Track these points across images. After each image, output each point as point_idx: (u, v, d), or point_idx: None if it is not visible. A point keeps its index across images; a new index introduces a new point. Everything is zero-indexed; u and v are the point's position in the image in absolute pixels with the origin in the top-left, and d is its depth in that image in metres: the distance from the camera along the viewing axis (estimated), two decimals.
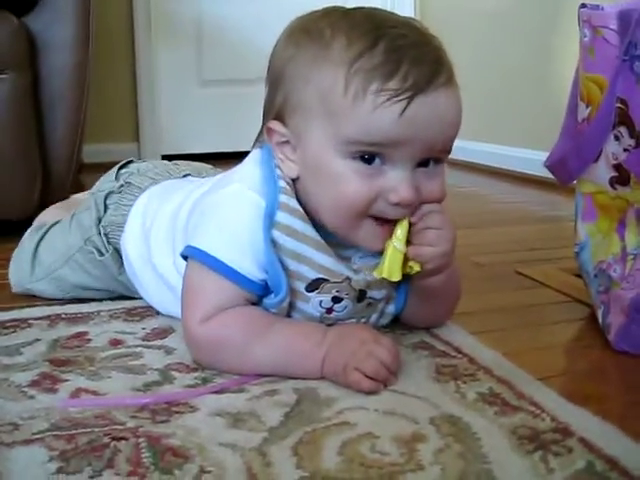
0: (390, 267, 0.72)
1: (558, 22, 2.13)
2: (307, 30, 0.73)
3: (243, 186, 0.76)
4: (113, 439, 0.61)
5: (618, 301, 0.85)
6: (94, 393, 0.70)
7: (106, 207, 0.99)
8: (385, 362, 0.69)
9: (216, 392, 0.70)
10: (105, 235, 0.97)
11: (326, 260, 0.75)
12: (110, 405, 0.67)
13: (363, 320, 0.82)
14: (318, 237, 0.74)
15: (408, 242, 0.72)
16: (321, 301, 0.77)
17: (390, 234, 0.72)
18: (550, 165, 1.00)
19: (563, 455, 0.57)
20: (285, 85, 0.73)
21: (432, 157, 0.71)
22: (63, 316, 0.93)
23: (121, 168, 1.03)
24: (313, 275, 0.75)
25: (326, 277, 0.75)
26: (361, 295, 0.78)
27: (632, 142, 0.84)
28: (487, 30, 2.58)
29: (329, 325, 0.77)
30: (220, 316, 0.73)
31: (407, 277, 0.76)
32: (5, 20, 1.36)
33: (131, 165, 1.03)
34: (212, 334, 0.73)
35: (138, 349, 0.81)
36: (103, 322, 0.91)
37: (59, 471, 0.56)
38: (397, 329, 0.86)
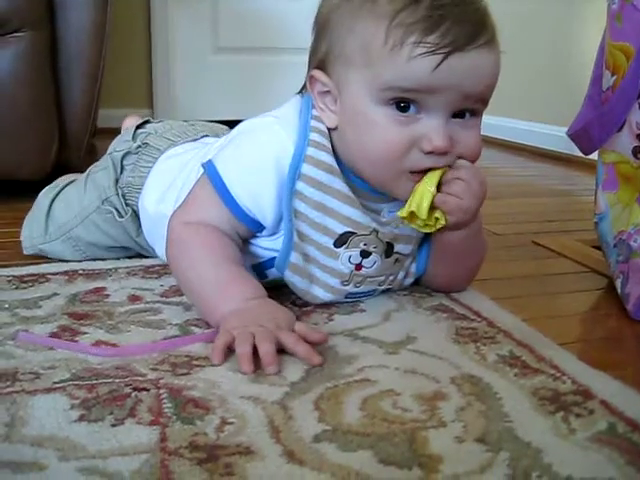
0: (419, 202, 0.71)
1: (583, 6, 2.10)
2: None
3: (277, 123, 0.76)
4: (134, 389, 0.61)
5: (637, 271, 0.85)
6: (114, 346, 0.71)
7: (123, 167, 0.99)
8: (287, 345, 0.66)
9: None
10: (123, 196, 0.97)
11: (352, 212, 0.75)
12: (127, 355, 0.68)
13: (391, 277, 0.82)
14: (345, 189, 0.75)
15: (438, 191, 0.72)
16: (350, 256, 0.77)
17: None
18: (573, 134, 0.99)
19: (584, 416, 0.57)
20: (329, 34, 0.73)
21: (468, 108, 0.71)
22: (81, 272, 0.94)
23: (138, 128, 1.02)
24: (340, 229, 0.75)
25: (353, 230, 0.76)
26: (389, 249, 0.78)
27: None
28: (511, 6, 2.55)
29: (359, 284, 0.79)
30: (197, 226, 0.76)
31: (429, 236, 0.76)
32: None
33: (148, 125, 1.02)
34: (181, 236, 0.76)
35: (156, 305, 0.82)
36: (121, 278, 0.91)
37: (81, 419, 0.56)
38: (416, 292, 0.86)
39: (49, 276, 0.92)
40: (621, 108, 0.89)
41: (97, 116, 1.61)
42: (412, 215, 0.72)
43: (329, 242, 0.76)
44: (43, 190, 1.10)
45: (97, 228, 0.99)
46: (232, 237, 0.77)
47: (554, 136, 2.11)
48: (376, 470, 0.49)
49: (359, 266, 0.78)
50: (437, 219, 0.73)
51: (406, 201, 0.72)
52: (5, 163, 1.39)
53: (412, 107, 0.69)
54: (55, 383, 0.62)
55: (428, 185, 0.71)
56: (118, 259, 0.99)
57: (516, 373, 0.64)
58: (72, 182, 1.07)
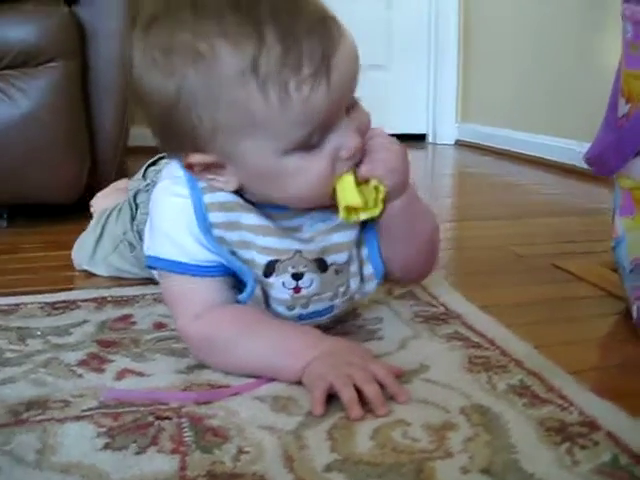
0: (345, 195, 0.69)
1: (602, 16, 2.10)
2: (171, 49, 0.64)
3: (169, 182, 0.75)
4: (157, 418, 0.64)
5: None
6: (139, 374, 0.74)
7: (137, 205, 1.04)
8: (379, 376, 0.66)
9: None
10: (138, 232, 1.01)
11: (269, 241, 0.74)
12: (153, 399, 0.68)
13: (341, 289, 0.79)
14: (255, 221, 0.73)
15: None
16: (283, 282, 0.75)
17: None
18: (589, 159, 1.00)
19: (589, 448, 0.58)
20: (186, 118, 0.65)
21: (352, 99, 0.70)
22: (109, 299, 0.98)
23: (151, 165, 1.06)
24: (263, 259, 0.74)
25: (275, 257, 0.74)
26: (322, 264, 0.76)
27: None
28: (531, 24, 2.56)
29: (305, 305, 0.78)
30: (210, 314, 0.73)
31: (368, 233, 0.77)
32: (56, 10, 1.41)
33: (161, 162, 1.05)
34: (203, 331, 0.73)
35: None
36: (148, 305, 0.95)
37: (106, 447, 0.59)
38: (432, 320, 0.88)
39: (79, 303, 0.96)
40: (636, 136, 0.90)
41: (127, 140, 1.66)
42: (350, 209, 0.71)
43: (259, 274, 0.75)
44: (100, 210, 1.18)
45: (124, 257, 1.05)
46: (233, 298, 0.76)
47: (581, 152, 2.11)
48: None
49: (297, 289, 0.76)
50: (376, 188, 0.71)
51: (333, 205, 0.72)
52: (39, 188, 1.45)
53: (316, 136, 0.66)
54: (83, 411, 0.66)
55: (344, 174, 0.70)
56: (146, 285, 1.03)
57: (525, 403, 0.66)
58: (115, 208, 1.13)
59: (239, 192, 0.73)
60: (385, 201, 0.73)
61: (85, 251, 1.13)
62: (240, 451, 0.59)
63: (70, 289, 1.03)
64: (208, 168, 0.70)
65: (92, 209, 1.28)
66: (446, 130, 3.23)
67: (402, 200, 0.75)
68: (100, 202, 1.28)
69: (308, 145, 0.66)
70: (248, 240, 0.74)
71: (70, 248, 1.16)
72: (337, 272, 0.78)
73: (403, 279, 0.86)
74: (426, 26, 3.19)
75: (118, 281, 1.08)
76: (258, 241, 0.74)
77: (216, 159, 0.69)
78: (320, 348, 0.69)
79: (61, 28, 1.40)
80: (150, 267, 0.78)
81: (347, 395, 0.64)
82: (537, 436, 0.60)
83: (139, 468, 0.57)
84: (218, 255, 0.73)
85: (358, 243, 0.79)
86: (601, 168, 0.98)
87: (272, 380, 0.71)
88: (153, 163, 1.08)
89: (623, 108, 0.93)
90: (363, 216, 0.72)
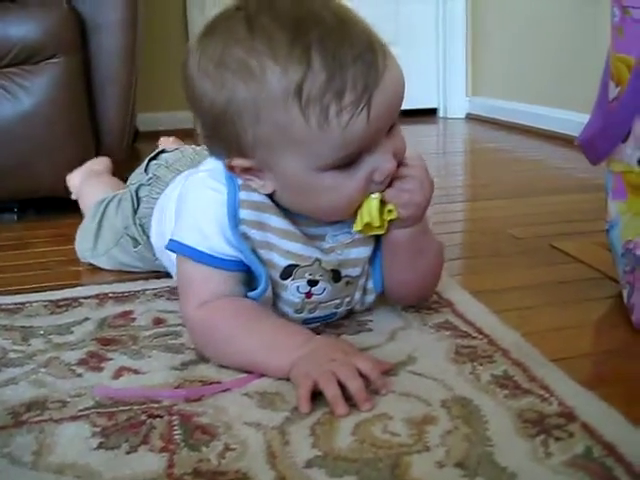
0: (367, 213, 0.74)
1: None
2: (224, 64, 0.68)
3: (205, 175, 0.78)
4: (149, 417, 0.67)
5: None
6: (135, 372, 0.76)
7: (139, 199, 1.05)
8: (363, 371, 0.67)
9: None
10: (141, 226, 1.03)
11: (293, 246, 0.77)
12: (144, 396, 0.71)
13: (347, 299, 0.83)
14: (283, 225, 0.76)
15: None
16: (298, 287, 0.79)
17: None
18: (581, 143, 1.00)
19: (564, 440, 0.60)
20: (232, 127, 0.70)
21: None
22: (111, 295, 1.00)
23: (153, 159, 1.08)
24: (283, 262, 0.77)
25: (296, 262, 0.77)
26: (336, 275, 0.80)
27: None
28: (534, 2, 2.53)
29: (312, 310, 0.81)
30: (213, 303, 0.75)
31: (378, 248, 0.81)
32: (56, 5, 1.43)
33: (162, 156, 1.07)
34: (204, 319, 0.75)
35: (178, 328, 0.87)
36: (148, 301, 0.98)
37: (100, 446, 0.62)
38: (423, 309, 0.89)
39: (82, 300, 0.99)
40: (624, 119, 0.90)
41: (132, 129, 1.68)
42: (367, 225, 0.75)
43: (276, 275, 0.78)
44: (95, 202, 1.18)
45: (126, 251, 1.06)
46: (241, 292, 0.78)
47: None
48: None
49: (309, 294, 0.79)
50: (390, 211, 0.75)
51: (355, 215, 0.75)
52: (44, 181, 1.48)
53: (353, 157, 0.70)
54: (80, 411, 0.68)
55: (372, 195, 0.74)
56: (147, 279, 1.05)
57: (506, 394, 0.68)
58: (115, 197, 1.14)
59: (272, 196, 0.76)
60: (393, 226, 0.77)
61: (86, 242, 1.15)
62: (226, 448, 0.61)
63: (75, 285, 1.06)
64: (248, 171, 0.74)
65: (69, 184, 1.33)
66: (457, 104, 3.20)
67: (411, 230, 0.79)
68: (75, 180, 1.33)
69: (343, 166, 0.70)
70: (272, 242, 0.77)
71: (73, 242, 1.19)
72: (348, 284, 0.82)
73: (395, 300, 0.89)
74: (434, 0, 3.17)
75: (121, 275, 1.11)
76: (283, 244, 0.77)
77: (256, 165, 0.72)
78: (307, 346, 0.71)
79: (62, 24, 1.42)
80: (170, 250, 0.80)
81: (331, 392, 0.65)
82: (514, 428, 0.62)
83: (130, 467, 0.59)
84: (238, 251, 0.76)
85: (367, 261, 0.83)
86: (591, 153, 0.98)
87: (262, 376, 0.73)
88: (154, 157, 1.09)
89: (613, 92, 0.93)
90: (370, 232, 0.77)
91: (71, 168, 1.48)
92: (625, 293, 0.90)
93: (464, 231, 1.39)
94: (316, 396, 0.67)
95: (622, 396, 0.69)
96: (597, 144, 0.95)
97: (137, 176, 1.10)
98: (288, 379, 0.71)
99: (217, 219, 0.75)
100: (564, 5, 2.36)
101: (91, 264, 1.16)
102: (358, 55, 0.66)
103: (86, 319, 0.92)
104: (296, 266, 0.78)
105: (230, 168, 0.74)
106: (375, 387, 0.68)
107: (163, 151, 1.10)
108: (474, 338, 0.81)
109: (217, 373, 0.75)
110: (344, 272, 0.80)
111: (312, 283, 0.79)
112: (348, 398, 0.66)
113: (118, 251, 1.11)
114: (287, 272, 0.78)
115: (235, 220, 0.75)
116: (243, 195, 0.75)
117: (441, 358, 0.76)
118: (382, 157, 0.71)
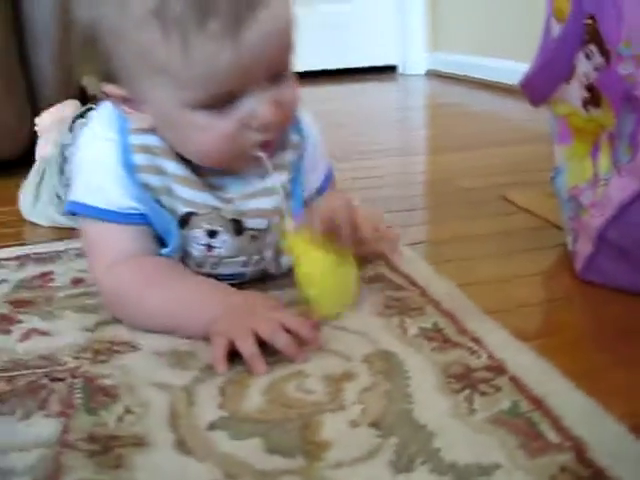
0: (315, 278, 0.69)
1: None
2: None
3: (96, 124, 0.74)
4: (51, 380, 0.62)
5: (586, 229, 0.83)
6: (44, 334, 0.71)
7: (65, 159, 1.00)
8: (287, 324, 0.62)
9: None
10: (67, 186, 0.97)
11: (189, 193, 0.71)
12: None
13: (255, 257, 0.78)
14: (179, 170, 0.71)
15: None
16: (197, 237, 0.74)
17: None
18: (523, 85, 0.95)
19: (490, 395, 0.55)
20: (101, 51, 0.66)
21: (280, 69, 0.66)
22: (32, 256, 0.95)
23: (79, 117, 1.02)
24: (181, 210, 0.72)
25: (193, 210, 0.72)
26: (237, 226, 0.74)
27: (602, 60, 0.79)
28: None
29: (215, 265, 0.76)
30: (123, 264, 0.70)
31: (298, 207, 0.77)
32: None
33: (88, 114, 1.00)
34: (114, 281, 0.70)
35: (95, 287, 0.81)
36: (69, 261, 0.92)
37: None
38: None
39: (3, 262, 0.93)
40: (564, 56, 0.85)
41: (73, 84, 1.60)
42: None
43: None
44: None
45: (59, 210, 1.04)
46: (152, 249, 0.73)
47: None
48: (261, 459, 0.49)
49: (209, 246, 0.74)
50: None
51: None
52: None
53: (223, 98, 0.63)
54: None
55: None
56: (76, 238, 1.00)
57: (433, 348, 0.63)
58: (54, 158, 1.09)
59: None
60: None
61: (27, 200, 1.12)
62: (127, 411, 0.56)
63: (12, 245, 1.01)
64: (127, 102, 0.69)
65: (36, 127, 1.27)
66: (416, 60, 3.12)
67: None
68: (45, 121, 1.27)
69: (216, 105, 0.64)
70: (172, 188, 0.72)
71: (17, 202, 1.15)
72: (253, 238, 0.76)
73: None
74: None
75: (60, 233, 1.05)
76: (180, 191, 0.72)
77: (130, 94, 0.67)
78: (226, 303, 0.66)
79: None
80: (68, 212, 0.75)
81: (247, 351, 0.60)
82: (438, 384, 0.57)
83: (21, 434, 0.54)
84: (140, 201, 0.71)
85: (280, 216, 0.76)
86: (533, 95, 0.94)
87: None
88: (81, 115, 1.03)
89: (554, 29, 0.88)
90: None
91: (6, 132, 1.42)
92: (570, 240, 0.87)
93: (412, 183, 1.34)
94: (235, 355, 0.62)
95: (557, 347, 0.65)
96: (538, 83, 0.90)
97: (63, 136, 1.04)
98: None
99: (111, 169, 0.70)
100: None
101: (32, 223, 1.12)
102: None
103: (4, 281, 0.86)
104: (193, 214, 0.72)
105: (105, 95, 0.69)
106: (303, 339, 0.62)
107: (90, 109, 1.04)
108: (405, 290, 0.76)
109: (129, 333, 0.70)
110: (247, 223, 0.75)
111: (211, 234, 0.73)
112: (275, 354, 0.61)
113: (53, 210, 1.07)
114: (184, 220, 0.73)
115: (130, 167, 0.70)
116: (134, 139, 0.70)
117: (368, 312, 0.72)
118: (259, 102, 0.64)
